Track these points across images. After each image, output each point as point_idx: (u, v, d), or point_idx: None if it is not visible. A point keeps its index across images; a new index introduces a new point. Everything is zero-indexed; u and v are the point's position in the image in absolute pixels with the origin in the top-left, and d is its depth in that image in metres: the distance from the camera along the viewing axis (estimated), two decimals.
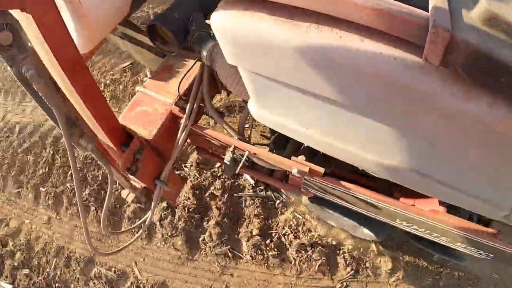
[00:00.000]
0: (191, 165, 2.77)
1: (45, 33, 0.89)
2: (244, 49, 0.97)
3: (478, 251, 1.46)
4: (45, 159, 3.56)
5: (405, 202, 1.36)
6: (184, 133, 1.43)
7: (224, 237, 2.47)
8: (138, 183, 1.59)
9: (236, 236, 2.49)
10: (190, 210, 2.58)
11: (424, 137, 0.90)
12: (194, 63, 1.54)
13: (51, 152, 3.58)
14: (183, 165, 2.81)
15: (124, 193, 1.61)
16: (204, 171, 2.72)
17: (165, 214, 2.63)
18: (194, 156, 2.81)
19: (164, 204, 2.65)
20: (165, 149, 1.48)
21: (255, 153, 1.38)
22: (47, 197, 3.32)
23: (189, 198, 2.62)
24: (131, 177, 1.57)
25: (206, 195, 2.64)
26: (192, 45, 1.41)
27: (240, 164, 1.38)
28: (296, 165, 1.32)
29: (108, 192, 1.33)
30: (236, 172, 1.47)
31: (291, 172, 1.44)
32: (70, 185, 3.25)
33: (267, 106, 1.17)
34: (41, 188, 3.42)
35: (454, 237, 1.37)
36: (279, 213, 2.47)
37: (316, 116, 1.06)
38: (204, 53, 1.36)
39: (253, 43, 0.91)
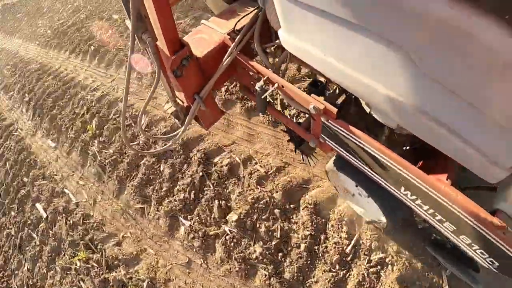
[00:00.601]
0: None
1: None
2: None
3: (482, 254, 1.35)
4: (189, 180, 2.67)
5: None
6: (229, 58, 1.64)
7: None
8: (181, 101, 1.84)
9: None
10: None
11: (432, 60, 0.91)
12: (253, 10, 1.77)
13: (200, 173, 2.68)
14: None
15: (167, 106, 1.87)
16: None
17: None
18: None
19: None
20: (211, 72, 1.71)
21: (282, 86, 1.52)
22: (191, 235, 2.51)
23: None
24: (177, 93, 1.83)
25: None
26: None
27: (267, 92, 1.53)
28: (314, 102, 1.42)
29: (152, 89, 1.59)
30: (265, 107, 1.63)
31: (312, 117, 1.54)
32: (229, 230, 2.41)
33: (293, 31, 1.32)
34: (182, 219, 2.61)
35: (457, 222, 1.29)
36: None
37: (333, 40, 1.16)
38: None
39: None
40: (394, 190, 1.49)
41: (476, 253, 1.34)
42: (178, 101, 1.84)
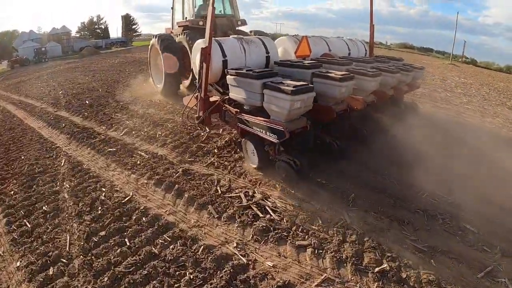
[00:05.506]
0: None
1: (205, 65, 5.40)
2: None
3: (269, 135, 4.53)
4: None
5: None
6: (217, 102, 5.45)
7: None
8: (199, 114, 5.60)
9: None
10: None
11: (249, 91, 4.71)
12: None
13: None
14: None
15: (195, 116, 5.61)
16: None
17: None
18: None
19: None
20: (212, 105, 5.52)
21: (227, 108, 5.26)
22: None
23: None
24: (199, 112, 5.65)
25: None
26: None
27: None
28: (234, 110, 5.10)
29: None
30: (224, 116, 5.36)
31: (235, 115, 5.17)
32: None
33: (231, 91, 5.17)
34: None
35: (263, 127, 4.60)
36: None
37: (236, 91, 4.99)
38: None
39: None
40: (255, 130, 4.88)
41: (270, 136, 4.51)
42: (199, 114, 5.62)
